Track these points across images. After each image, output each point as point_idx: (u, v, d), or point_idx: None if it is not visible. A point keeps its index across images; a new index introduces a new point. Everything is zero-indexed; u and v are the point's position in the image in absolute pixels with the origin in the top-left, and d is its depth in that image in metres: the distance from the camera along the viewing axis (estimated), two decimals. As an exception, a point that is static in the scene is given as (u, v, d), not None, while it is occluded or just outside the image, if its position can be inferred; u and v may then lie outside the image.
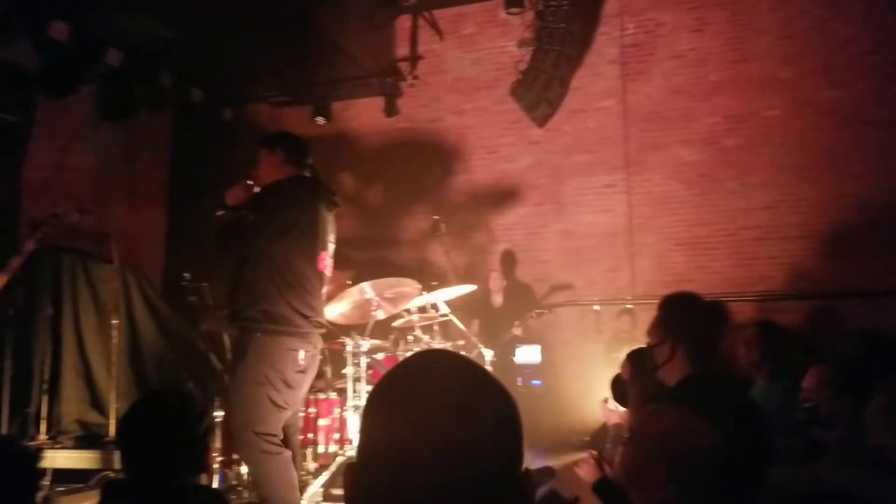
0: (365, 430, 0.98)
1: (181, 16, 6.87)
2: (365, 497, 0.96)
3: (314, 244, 3.95)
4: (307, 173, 4.12)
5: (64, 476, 4.87)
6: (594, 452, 3.10)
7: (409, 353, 5.62)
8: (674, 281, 7.92)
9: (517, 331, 7.54)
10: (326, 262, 4.05)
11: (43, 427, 5.80)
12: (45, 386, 5.86)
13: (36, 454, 2.28)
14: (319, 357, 4.10)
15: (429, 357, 1.09)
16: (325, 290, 4.07)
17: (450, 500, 0.90)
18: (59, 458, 5.27)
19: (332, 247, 4.15)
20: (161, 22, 6.94)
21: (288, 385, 3.78)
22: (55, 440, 5.73)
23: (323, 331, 4.05)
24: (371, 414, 0.99)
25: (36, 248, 5.15)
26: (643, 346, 3.10)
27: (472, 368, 1.02)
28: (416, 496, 0.91)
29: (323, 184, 4.18)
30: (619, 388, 3.52)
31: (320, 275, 4.00)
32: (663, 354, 2.79)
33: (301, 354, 3.81)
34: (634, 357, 3.32)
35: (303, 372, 3.86)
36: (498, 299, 8.15)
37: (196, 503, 2.21)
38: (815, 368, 3.47)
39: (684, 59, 8.48)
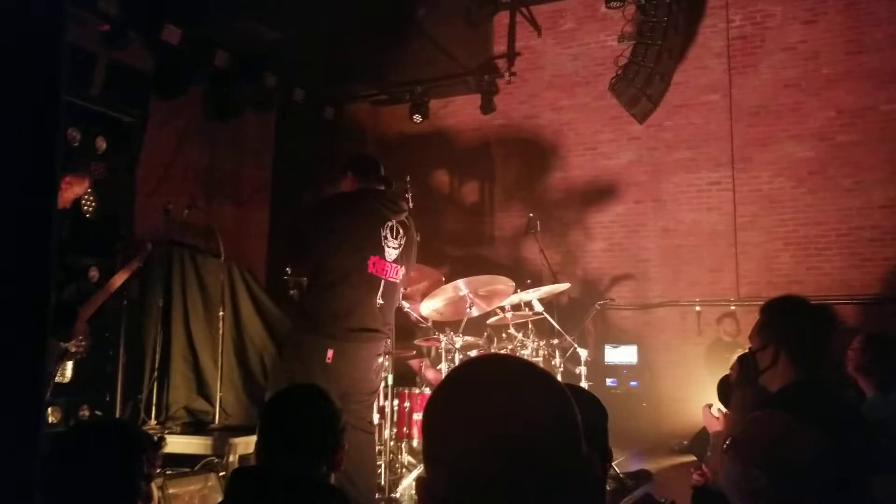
0: (429, 446, 1.02)
1: (284, 18, 7.07)
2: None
3: (360, 249, 4.08)
4: (380, 186, 4.32)
5: (171, 460, 5.07)
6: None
7: (503, 351, 5.62)
8: (781, 283, 7.63)
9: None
10: (379, 265, 4.14)
11: (153, 413, 6.08)
12: (156, 374, 6.13)
13: (158, 442, 2.32)
14: (372, 359, 4.16)
15: (478, 364, 1.12)
16: (379, 291, 4.13)
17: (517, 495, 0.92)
18: (167, 443, 5.51)
19: (394, 252, 4.22)
20: (266, 24, 7.15)
21: (311, 379, 3.83)
22: (164, 426, 6.00)
23: (369, 335, 4.11)
24: (431, 430, 1.02)
25: (142, 264, 5.38)
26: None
27: (518, 365, 1.05)
28: (484, 495, 0.93)
29: (388, 193, 4.33)
30: (726, 391, 3.42)
31: (369, 277, 4.07)
32: (766, 360, 2.69)
33: (329, 353, 3.93)
34: (744, 361, 3.22)
35: (334, 370, 3.93)
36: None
37: (319, 497, 2.23)
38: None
39: (795, 51, 8.12)
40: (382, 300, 4.14)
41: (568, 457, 0.97)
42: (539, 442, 0.94)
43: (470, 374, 1.05)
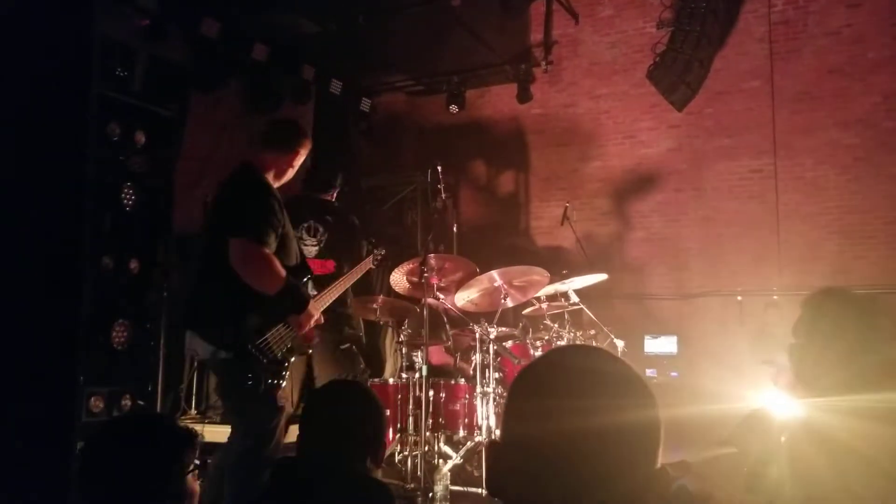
0: (513, 414, 1.04)
1: (321, 9, 7.09)
2: (509, 478, 1.00)
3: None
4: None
5: (210, 451, 5.14)
6: None
7: (539, 342, 5.59)
8: (826, 272, 7.48)
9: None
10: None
11: (193, 402, 6.19)
12: (196, 364, 6.23)
13: (192, 435, 2.30)
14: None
15: (583, 351, 1.13)
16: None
17: (591, 491, 0.94)
18: (206, 432, 5.59)
19: (313, 249, 4.68)
20: (302, 16, 7.18)
21: None
22: (204, 415, 6.10)
23: None
24: (521, 399, 1.04)
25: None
26: None
27: (622, 366, 1.06)
28: (560, 484, 0.94)
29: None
30: None
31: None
32: None
33: None
34: None
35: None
36: None
37: (363, 491, 2.22)
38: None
39: (839, 35, 7.92)
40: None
41: (644, 472, 0.97)
42: (626, 454, 0.96)
43: (576, 368, 1.05)
